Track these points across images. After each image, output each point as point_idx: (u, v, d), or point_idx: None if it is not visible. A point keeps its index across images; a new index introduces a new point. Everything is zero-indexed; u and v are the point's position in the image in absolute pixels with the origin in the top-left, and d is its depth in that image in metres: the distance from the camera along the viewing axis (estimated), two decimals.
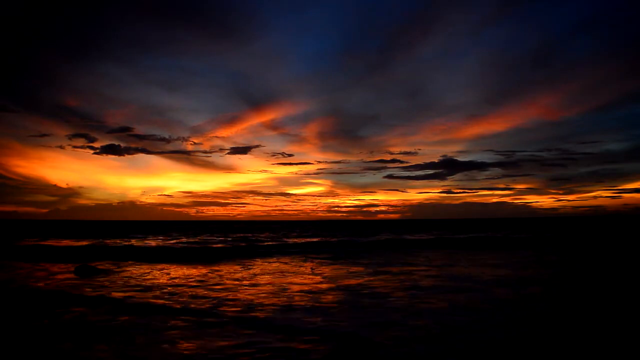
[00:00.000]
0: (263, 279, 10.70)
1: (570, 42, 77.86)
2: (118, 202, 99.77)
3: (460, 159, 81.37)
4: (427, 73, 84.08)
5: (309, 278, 10.92)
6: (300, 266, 13.84)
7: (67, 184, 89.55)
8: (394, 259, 15.72)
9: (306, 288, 9.15)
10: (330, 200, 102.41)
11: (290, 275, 11.42)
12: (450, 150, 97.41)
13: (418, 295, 8.18)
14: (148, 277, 11.32)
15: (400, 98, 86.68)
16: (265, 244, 25.54)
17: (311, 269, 12.72)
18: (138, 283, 10.14)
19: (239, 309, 7.11)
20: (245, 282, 10.13)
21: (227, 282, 10.21)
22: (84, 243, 24.58)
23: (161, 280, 10.67)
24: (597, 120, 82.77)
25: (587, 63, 75.02)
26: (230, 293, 8.57)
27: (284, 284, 9.73)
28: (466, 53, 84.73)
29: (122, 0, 65.02)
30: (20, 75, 69.63)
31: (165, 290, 9.02)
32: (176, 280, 10.56)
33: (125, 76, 75.43)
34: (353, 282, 10.07)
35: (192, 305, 7.36)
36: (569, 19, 77.62)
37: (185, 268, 13.16)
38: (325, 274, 11.70)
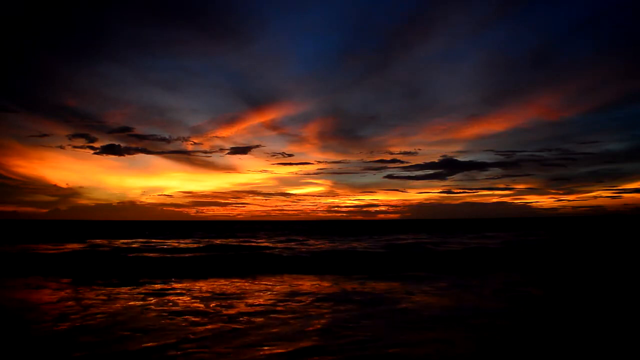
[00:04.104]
0: None
1: (570, 42, 77.98)
2: (118, 202, 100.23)
3: (460, 159, 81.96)
4: (427, 73, 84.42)
5: None
6: None
7: (67, 184, 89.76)
8: None
9: None
10: (330, 200, 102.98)
11: None
12: (450, 150, 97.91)
13: None
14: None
15: (400, 98, 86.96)
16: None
17: None
18: None
19: None
20: None
21: None
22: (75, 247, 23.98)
23: None
24: (597, 120, 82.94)
25: (587, 63, 75.08)
26: None
27: None
28: (466, 53, 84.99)
29: (122, 1, 64.91)
30: (20, 75, 70.07)
31: None
32: None
33: (126, 76, 75.83)
34: None
35: None
36: (569, 19, 77.77)
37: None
38: None
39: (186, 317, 7.96)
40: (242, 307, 8.87)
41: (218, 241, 32.66)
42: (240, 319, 7.83)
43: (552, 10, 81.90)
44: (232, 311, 8.50)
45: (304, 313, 8.29)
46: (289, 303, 9.28)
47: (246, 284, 12.25)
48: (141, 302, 9.41)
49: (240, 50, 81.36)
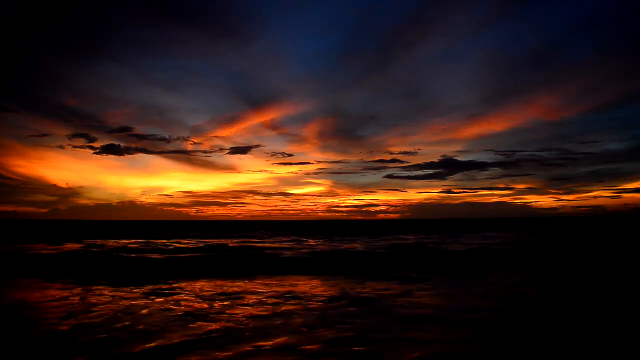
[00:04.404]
0: None
1: (570, 42, 78.21)
2: (118, 202, 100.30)
3: (460, 159, 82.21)
4: (427, 73, 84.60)
5: None
6: None
7: (67, 184, 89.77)
8: None
9: None
10: (330, 200, 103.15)
11: None
12: (450, 150, 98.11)
13: None
14: None
15: (400, 98, 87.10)
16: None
17: None
18: None
19: None
20: None
21: None
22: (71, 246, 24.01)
23: None
24: (597, 120, 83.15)
25: (587, 63, 75.30)
26: None
27: None
28: (466, 53, 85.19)
29: (122, 1, 64.92)
30: (20, 75, 70.13)
31: None
32: None
33: (126, 76, 75.93)
34: None
35: None
36: (569, 19, 78.00)
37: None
38: None
39: (189, 317, 8.02)
40: (244, 307, 8.94)
41: (218, 241, 32.71)
42: (244, 318, 7.90)
43: (552, 10, 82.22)
44: (235, 311, 8.56)
45: (305, 313, 8.36)
46: (291, 304, 9.34)
47: (248, 284, 12.31)
48: (145, 302, 9.47)
49: (240, 50, 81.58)
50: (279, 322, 7.59)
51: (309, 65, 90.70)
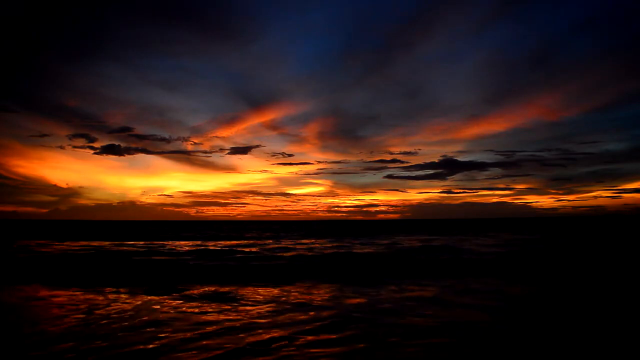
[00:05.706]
0: None
1: (570, 42, 77.97)
2: (118, 202, 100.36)
3: (460, 159, 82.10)
4: (427, 73, 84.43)
5: None
6: None
7: (67, 184, 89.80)
8: None
9: None
10: (330, 200, 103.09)
11: None
12: (450, 150, 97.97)
13: None
14: None
15: (400, 98, 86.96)
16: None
17: None
18: None
19: None
20: None
21: None
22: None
23: None
24: (597, 120, 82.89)
25: (587, 63, 75.10)
26: None
27: None
28: (466, 53, 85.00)
29: (122, 1, 64.92)
30: (20, 75, 70.26)
31: None
32: None
33: (126, 76, 76.00)
34: None
35: None
36: (569, 19, 77.69)
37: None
38: None
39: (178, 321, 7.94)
40: (246, 312, 8.86)
41: (217, 243, 32.75)
42: (245, 321, 7.83)
43: (552, 10, 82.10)
44: (239, 315, 8.48)
45: (305, 316, 8.29)
46: (294, 309, 9.26)
47: (248, 289, 12.24)
48: (144, 305, 9.38)
49: (240, 50, 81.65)
50: (286, 328, 7.52)
51: (309, 65, 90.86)
